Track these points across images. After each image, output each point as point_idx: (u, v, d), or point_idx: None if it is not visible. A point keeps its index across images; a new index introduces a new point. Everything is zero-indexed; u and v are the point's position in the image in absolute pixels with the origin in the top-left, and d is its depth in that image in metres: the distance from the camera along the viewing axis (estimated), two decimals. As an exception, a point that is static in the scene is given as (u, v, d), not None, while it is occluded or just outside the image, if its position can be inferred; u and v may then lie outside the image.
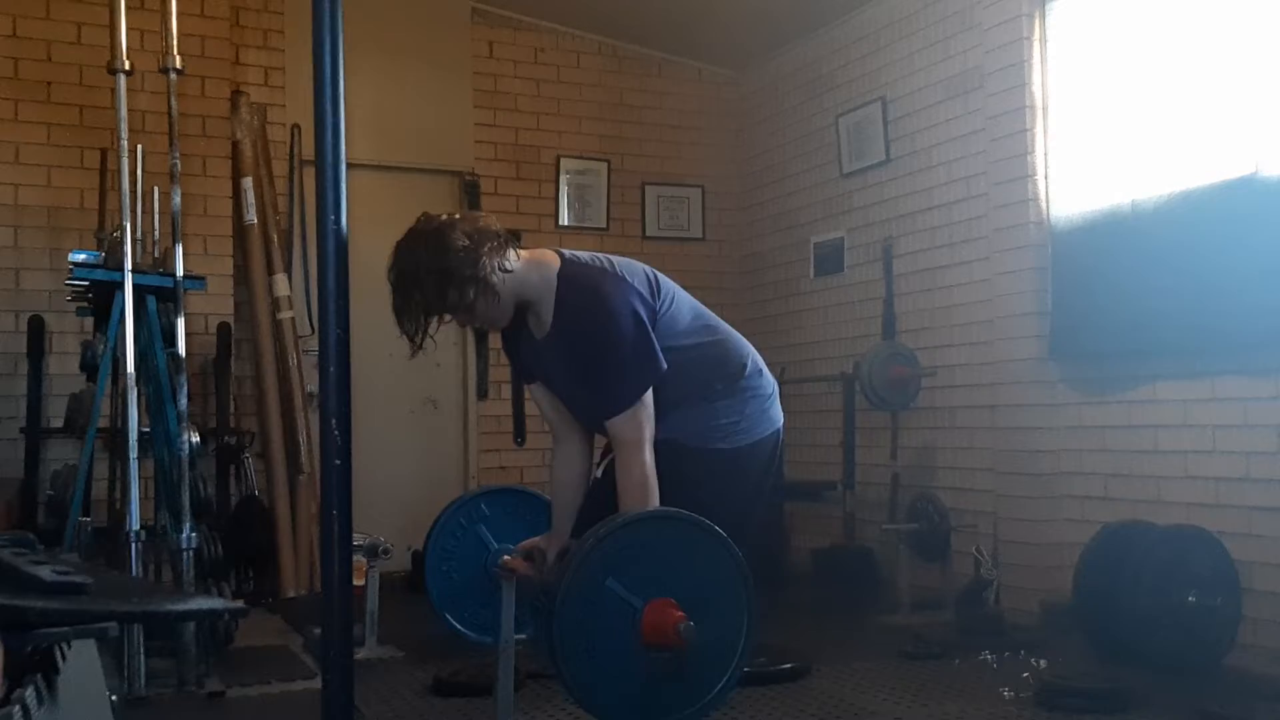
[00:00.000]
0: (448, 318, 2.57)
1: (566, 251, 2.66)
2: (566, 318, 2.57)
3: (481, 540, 2.94)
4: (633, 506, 2.41)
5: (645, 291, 2.59)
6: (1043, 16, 4.81)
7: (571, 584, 2.14)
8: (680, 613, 2.15)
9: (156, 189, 4.26)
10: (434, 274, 2.47)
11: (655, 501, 2.43)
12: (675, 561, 2.24)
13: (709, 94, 6.96)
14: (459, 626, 2.90)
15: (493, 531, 2.95)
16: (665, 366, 2.54)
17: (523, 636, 2.95)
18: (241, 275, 5.63)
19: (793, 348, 6.23)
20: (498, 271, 2.51)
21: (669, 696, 2.23)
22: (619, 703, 2.20)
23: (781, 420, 2.76)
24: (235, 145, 5.63)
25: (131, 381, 3.76)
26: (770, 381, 2.76)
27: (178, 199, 4.00)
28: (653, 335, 2.54)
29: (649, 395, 2.52)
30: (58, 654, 1.61)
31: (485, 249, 2.49)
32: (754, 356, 2.75)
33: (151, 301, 3.93)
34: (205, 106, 5.52)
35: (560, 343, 2.60)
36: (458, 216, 2.58)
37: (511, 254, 2.55)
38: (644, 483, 2.46)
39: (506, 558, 2.86)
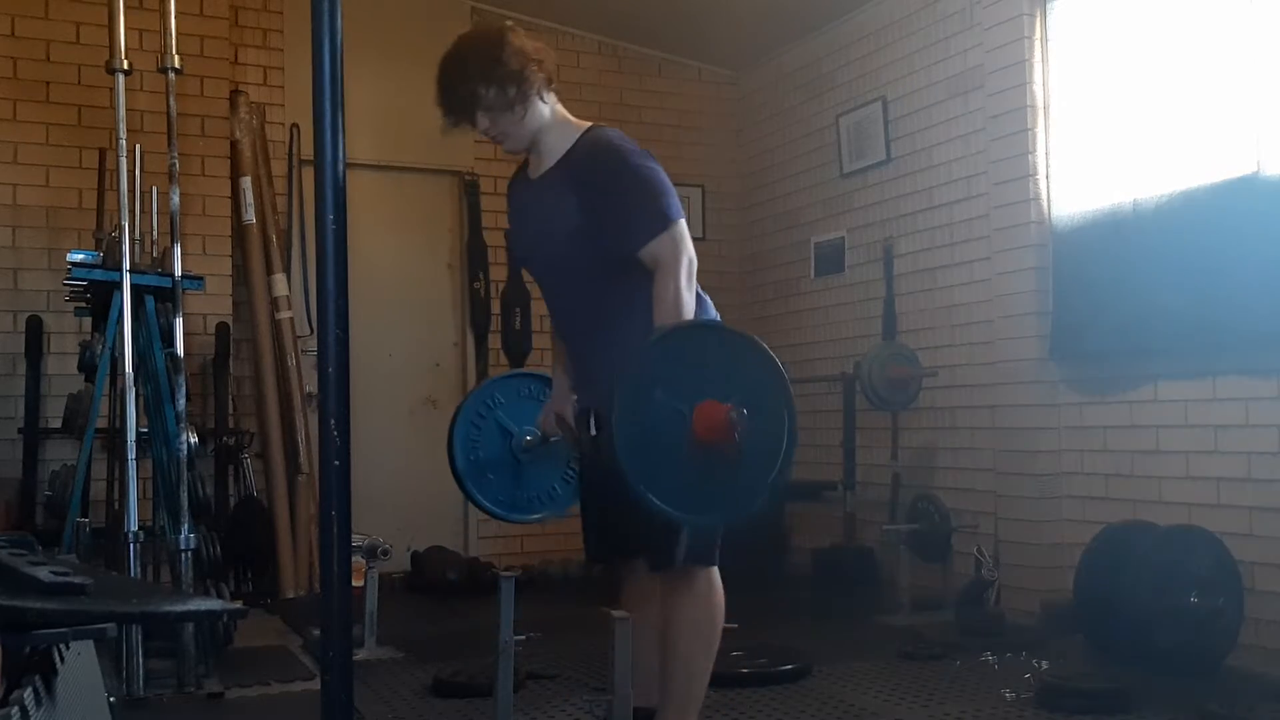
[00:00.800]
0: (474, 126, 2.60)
1: None
2: (577, 156, 2.58)
3: (502, 426, 2.98)
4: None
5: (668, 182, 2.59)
6: (1043, 16, 4.81)
7: (622, 404, 2.20)
8: (728, 404, 2.21)
9: (155, 189, 4.26)
10: (485, 65, 2.53)
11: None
12: (715, 367, 2.30)
13: (709, 94, 6.96)
14: (495, 508, 2.93)
15: (510, 416, 2.99)
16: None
17: (542, 516, 3.04)
18: (240, 275, 5.63)
19: (793, 348, 6.23)
20: (538, 93, 2.57)
21: (726, 492, 2.31)
22: (683, 504, 2.27)
23: None
24: (234, 145, 5.63)
25: (130, 382, 3.75)
26: None
27: (176, 199, 3.99)
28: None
29: (684, 226, 2.51)
30: (56, 655, 1.60)
31: (536, 68, 2.56)
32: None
33: (150, 301, 3.92)
34: (204, 106, 5.51)
35: (562, 179, 2.59)
36: (521, 39, 2.61)
37: (550, 97, 2.62)
38: (680, 305, 2.45)
39: (529, 439, 2.94)
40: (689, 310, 2.47)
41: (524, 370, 3.13)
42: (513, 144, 2.64)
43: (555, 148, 2.63)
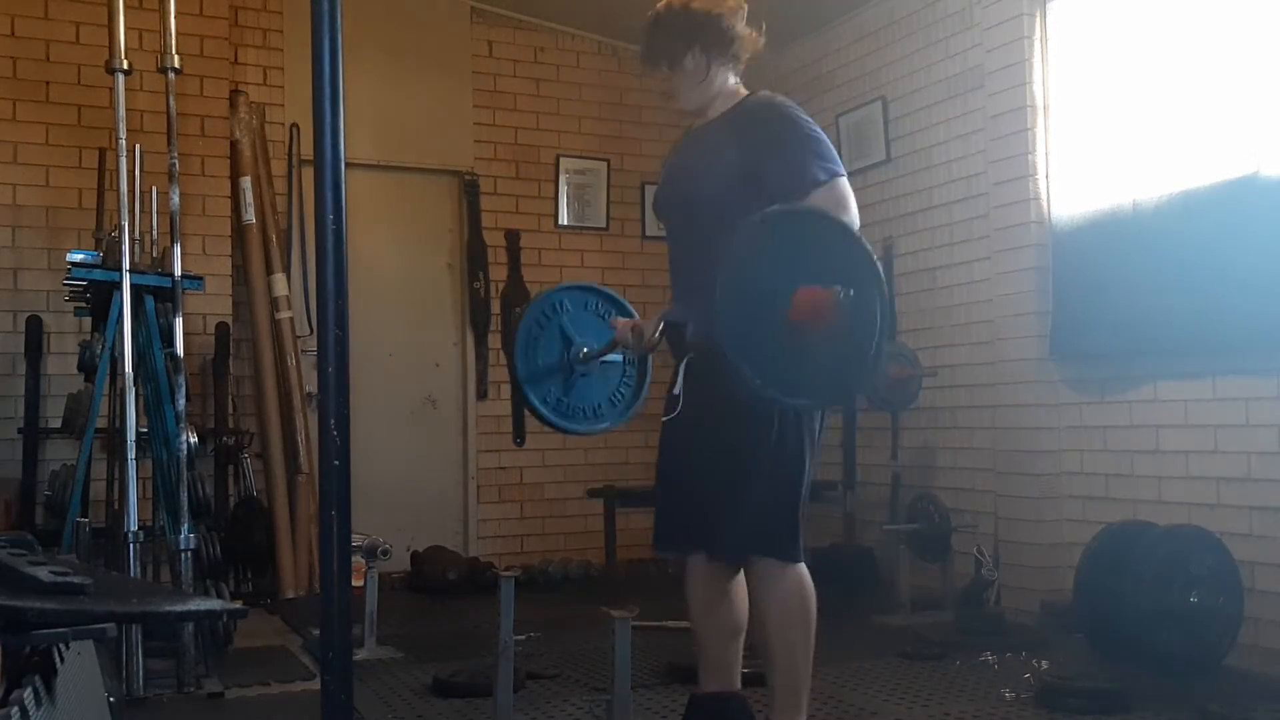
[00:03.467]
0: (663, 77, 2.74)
1: None
2: (744, 112, 2.68)
3: (563, 332, 3.00)
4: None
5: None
6: (1043, 16, 4.81)
7: (727, 281, 2.29)
8: (831, 288, 2.30)
9: (155, 189, 4.26)
10: (698, 28, 2.67)
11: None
12: (813, 251, 2.39)
13: (708, 94, 6.95)
14: (543, 410, 2.94)
15: (573, 324, 3.01)
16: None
17: (585, 430, 3.10)
18: (240, 275, 5.63)
19: (792, 348, 6.22)
20: (728, 68, 2.72)
21: (820, 376, 2.41)
22: (778, 384, 2.34)
23: None
24: (234, 145, 5.63)
25: (130, 382, 3.75)
26: None
27: (176, 199, 3.99)
28: None
29: (847, 183, 2.60)
30: (56, 655, 1.60)
31: (736, 46, 2.71)
32: None
33: (150, 301, 3.92)
34: (204, 106, 5.51)
35: (722, 130, 2.68)
36: (743, 13, 2.74)
37: (736, 78, 2.76)
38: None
39: (585, 350, 2.98)
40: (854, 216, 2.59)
41: (591, 284, 3.14)
42: (684, 104, 2.76)
43: (720, 107, 2.74)
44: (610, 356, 2.97)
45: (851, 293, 2.30)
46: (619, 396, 3.08)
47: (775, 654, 2.66)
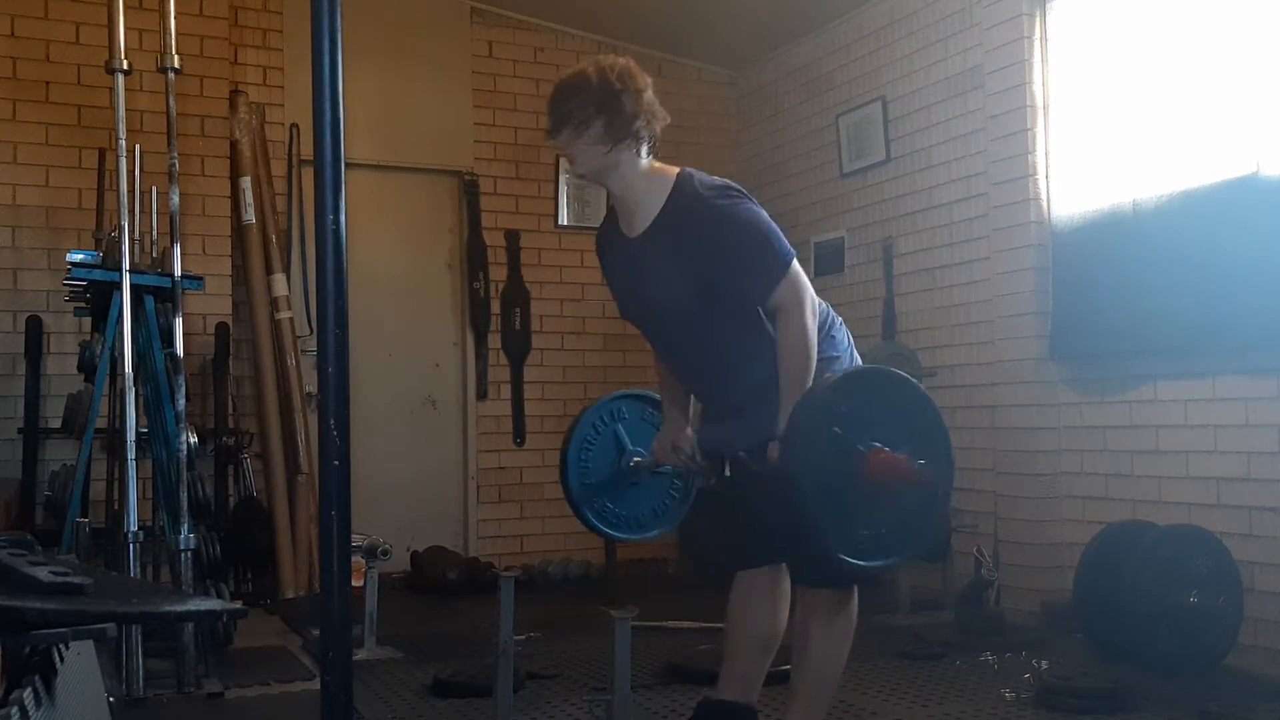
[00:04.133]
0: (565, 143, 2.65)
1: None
2: (675, 216, 2.58)
3: (618, 439, 3.00)
4: (793, 368, 2.48)
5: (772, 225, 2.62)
6: (1043, 16, 4.81)
7: (803, 426, 2.32)
8: (906, 455, 2.32)
9: (155, 189, 4.26)
10: (600, 93, 2.57)
11: (814, 361, 2.51)
12: (887, 410, 2.40)
13: (709, 94, 6.95)
14: (596, 522, 2.94)
15: (628, 433, 3.02)
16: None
17: (656, 534, 3.12)
18: (240, 275, 5.63)
19: (792, 348, 6.22)
20: (632, 148, 2.59)
21: (893, 536, 2.41)
22: (854, 544, 2.36)
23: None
24: (234, 145, 5.63)
25: (129, 382, 3.75)
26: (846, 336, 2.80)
27: (176, 199, 3.99)
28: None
29: (798, 265, 2.55)
30: (56, 655, 1.60)
31: (644, 124, 2.60)
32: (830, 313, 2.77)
33: (150, 301, 3.92)
34: (204, 106, 5.51)
35: (664, 242, 2.60)
36: (649, 91, 2.65)
37: (646, 158, 2.64)
38: (806, 343, 2.50)
39: (637, 459, 2.97)
40: (814, 347, 2.52)
41: (648, 393, 3.14)
42: (582, 170, 2.66)
43: (648, 204, 2.63)
44: (662, 468, 2.99)
45: (924, 463, 2.33)
46: (664, 507, 3.10)
47: (812, 670, 2.71)
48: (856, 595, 2.75)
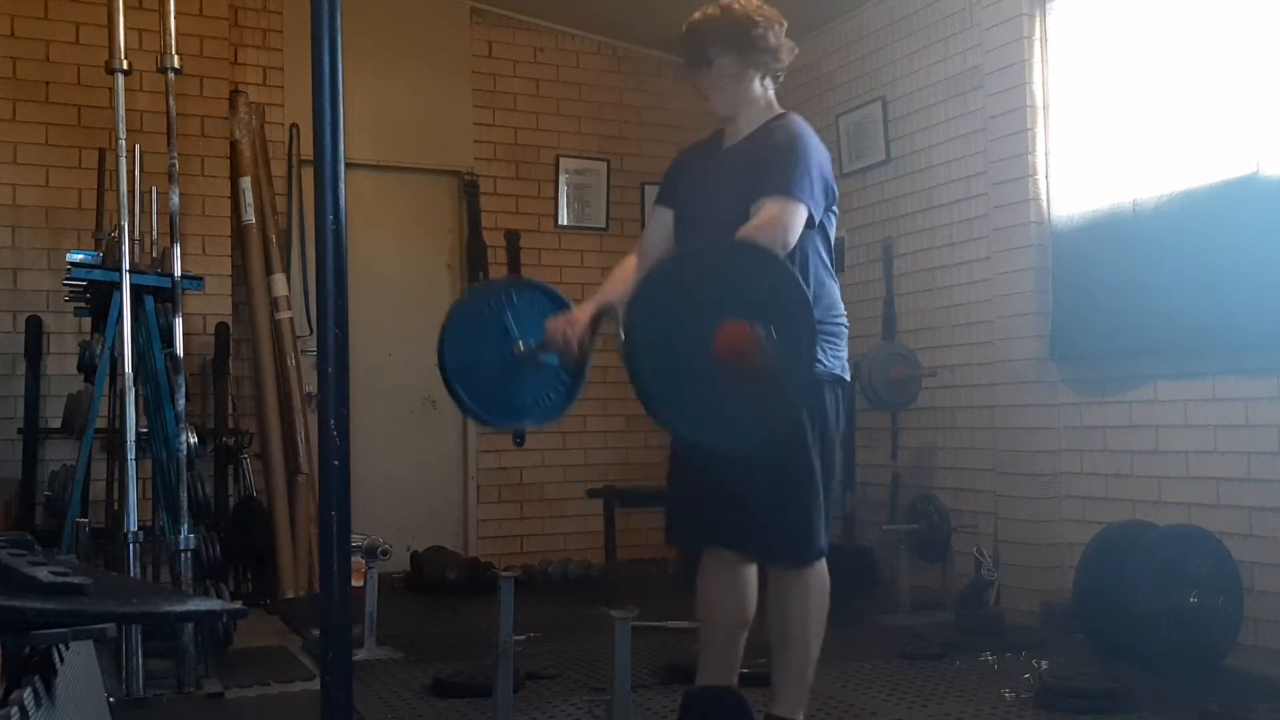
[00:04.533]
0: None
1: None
2: (763, 137, 2.74)
3: (505, 327, 2.96)
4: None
5: (828, 181, 2.72)
6: (1043, 16, 4.81)
7: (643, 320, 2.26)
8: (753, 324, 2.25)
9: (155, 189, 4.26)
10: (739, 33, 2.74)
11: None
12: (734, 285, 2.35)
13: (708, 94, 6.94)
14: (467, 399, 2.87)
15: (517, 322, 2.97)
16: (819, 218, 2.66)
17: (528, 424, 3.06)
18: (240, 275, 5.62)
19: (792, 348, 6.22)
20: (766, 78, 2.81)
21: (744, 415, 2.36)
22: (695, 417, 2.32)
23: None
24: (234, 145, 5.63)
25: (129, 382, 3.75)
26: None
27: (176, 199, 3.99)
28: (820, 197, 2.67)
29: (800, 213, 2.59)
30: (56, 655, 1.60)
31: (777, 60, 2.80)
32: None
33: (149, 301, 3.92)
34: (204, 106, 5.51)
35: (744, 156, 2.74)
36: (780, 26, 2.82)
37: (772, 90, 2.85)
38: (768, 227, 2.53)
39: (522, 344, 2.91)
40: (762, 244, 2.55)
41: (546, 285, 3.10)
42: (718, 107, 2.81)
43: (751, 123, 2.80)
44: (546, 358, 2.90)
45: (774, 331, 2.25)
46: (546, 400, 3.01)
47: (793, 646, 2.73)
48: (825, 569, 2.76)
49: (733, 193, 2.68)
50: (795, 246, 2.59)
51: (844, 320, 2.81)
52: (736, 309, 2.28)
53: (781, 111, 2.83)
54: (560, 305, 2.98)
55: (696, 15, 2.82)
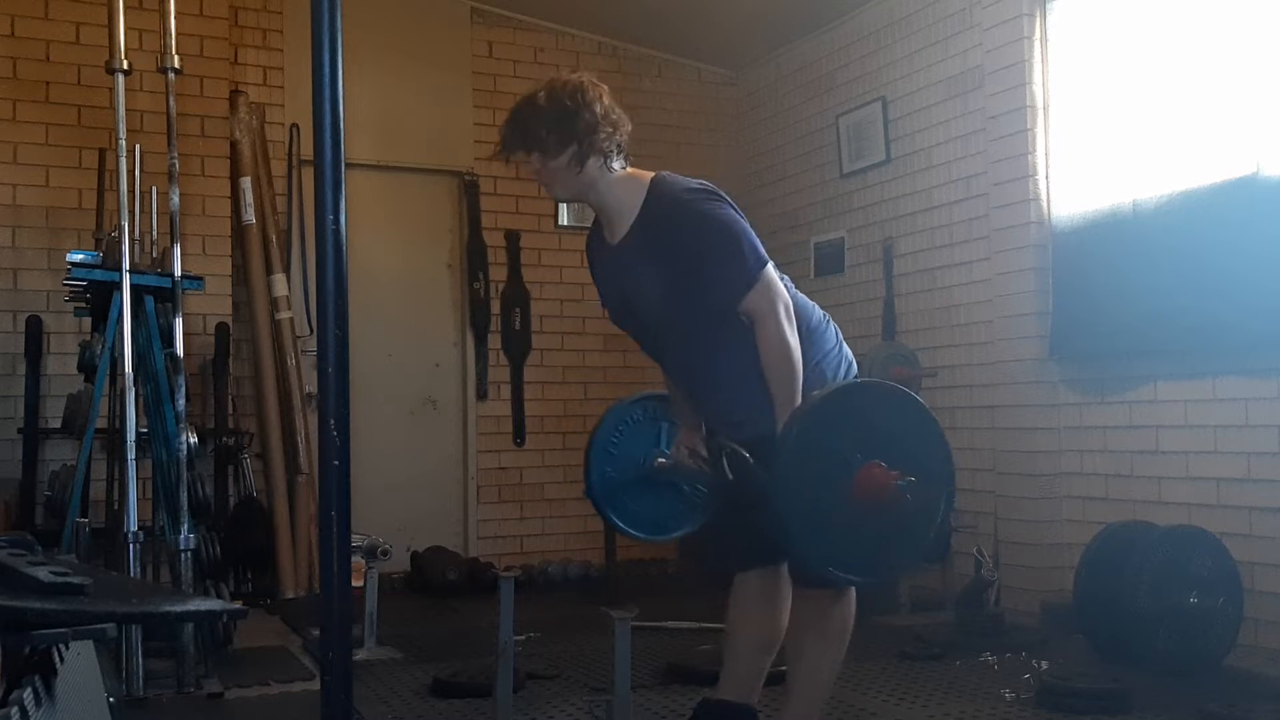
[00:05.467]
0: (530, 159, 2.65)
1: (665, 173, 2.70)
2: (651, 220, 2.59)
3: (643, 439, 2.99)
4: (779, 375, 2.48)
5: (742, 218, 2.61)
6: (1043, 16, 4.81)
7: (793, 444, 2.29)
8: (895, 471, 2.29)
9: (155, 189, 4.26)
10: (559, 113, 2.58)
11: (799, 365, 2.50)
12: (884, 425, 2.38)
13: (709, 94, 6.96)
14: (618, 521, 2.93)
15: (652, 433, 3.01)
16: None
17: (681, 534, 3.06)
18: (240, 275, 5.62)
19: (792, 348, 6.22)
20: (601, 161, 2.60)
21: (882, 551, 2.41)
22: (839, 558, 2.37)
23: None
24: (234, 145, 5.63)
25: (129, 382, 3.75)
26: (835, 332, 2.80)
27: (176, 199, 3.99)
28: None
29: (772, 269, 2.54)
30: (56, 655, 1.60)
31: (607, 135, 2.59)
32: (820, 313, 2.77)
33: (150, 302, 3.92)
34: (204, 106, 5.51)
35: (642, 246, 2.60)
36: (609, 100, 2.65)
37: (619, 162, 2.64)
38: (785, 349, 2.49)
39: (661, 460, 2.94)
40: (795, 351, 2.52)
41: (649, 393, 3.13)
42: (559, 193, 2.69)
43: (625, 209, 2.64)
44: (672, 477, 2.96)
45: (914, 480, 2.30)
46: (686, 509, 3.03)
47: (807, 670, 2.74)
48: (853, 596, 2.76)
49: (650, 288, 2.59)
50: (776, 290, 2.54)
51: (833, 332, 2.75)
52: (881, 452, 2.33)
53: (644, 183, 2.65)
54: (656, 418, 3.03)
55: (524, 100, 2.68)
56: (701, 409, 2.78)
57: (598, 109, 2.58)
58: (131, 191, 3.93)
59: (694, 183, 2.63)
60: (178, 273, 3.93)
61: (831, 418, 2.36)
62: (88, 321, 4.46)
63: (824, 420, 2.35)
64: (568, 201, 2.73)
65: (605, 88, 2.65)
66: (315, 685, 2.76)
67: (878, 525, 2.35)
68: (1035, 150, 4.77)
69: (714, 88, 6.98)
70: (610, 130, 2.60)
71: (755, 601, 2.73)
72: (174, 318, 3.94)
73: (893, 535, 2.39)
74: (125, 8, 3.90)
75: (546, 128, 2.57)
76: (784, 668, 2.82)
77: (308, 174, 5.51)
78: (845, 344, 2.79)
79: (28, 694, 1.38)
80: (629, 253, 2.63)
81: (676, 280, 2.56)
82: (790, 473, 2.30)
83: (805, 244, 6.33)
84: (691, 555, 2.91)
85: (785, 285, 2.63)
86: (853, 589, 2.74)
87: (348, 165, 1.85)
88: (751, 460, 2.46)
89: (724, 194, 2.62)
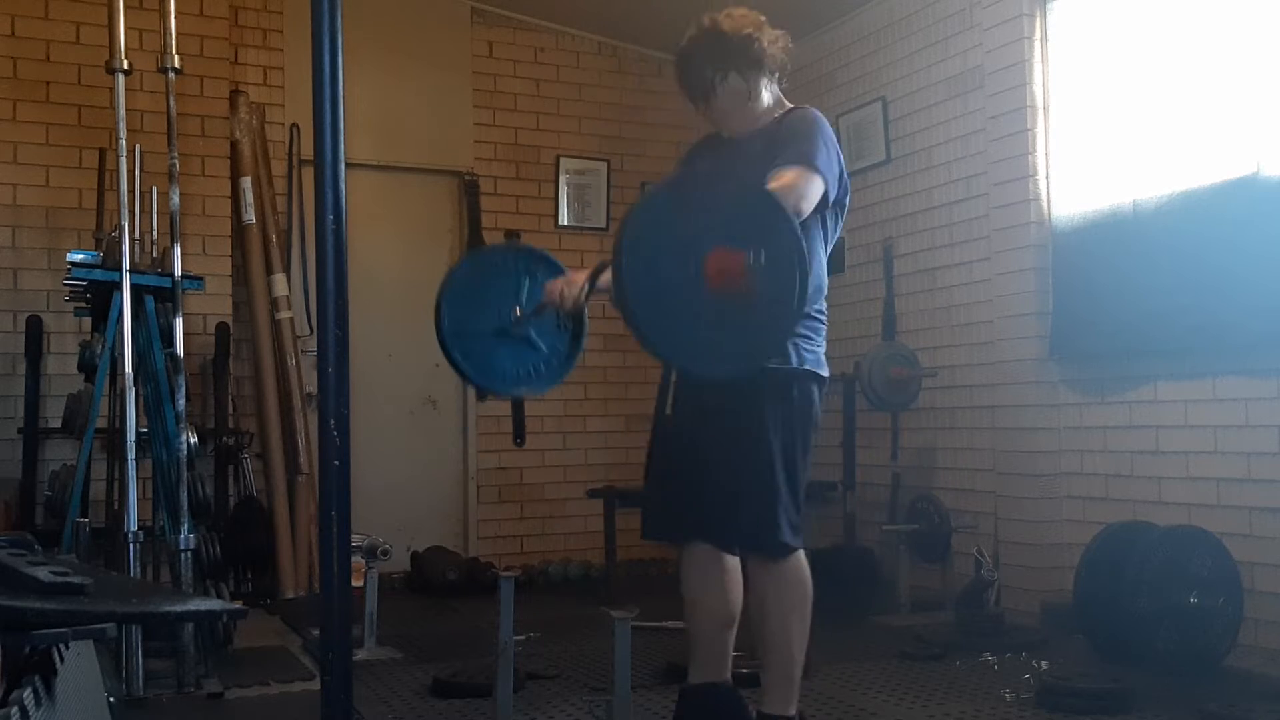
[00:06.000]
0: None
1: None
2: (780, 123, 2.74)
3: (512, 293, 2.94)
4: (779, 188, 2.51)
5: (843, 169, 2.75)
6: (1043, 16, 4.81)
7: (632, 252, 2.22)
8: (741, 251, 2.25)
9: (155, 189, 4.26)
10: (735, 54, 2.71)
11: (798, 201, 2.52)
12: (723, 216, 2.34)
13: (708, 94, 6.95)
14: (461, 362, 2.85)
15: (521, 291, 2.96)
16: (833, 196, 2.67)
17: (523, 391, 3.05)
18: (240, 275, 5.62)
19: (792, 348, 6.22)
20: (766, 88, 2.78)
21: (739, 343, 2.35)
22: (686, 347, 2.32)
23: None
24: (234, 145, 5.63)
25: (130, 382, 3.75)
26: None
27: (176, 199, 3.99)
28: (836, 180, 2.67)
29: (821, 184, 2.60)
30: (56, 655, 1.60)
31: (770, 62, 2.76)
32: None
33: (150, 301, 3.92)
34: (204, 106, 5.51)
35: (761, 141, 2.72)
36: (767, 27, 2.78)
37: (777, 88, 2.82)
38: (792, 192, 2.52)
39: (520, 310, 2.91)
40: (798, 200, 2.55)
41: (520, 244, 3.08)
42: (735, 127, 2.81)
43: (766, 117, 2.80)
44: (540, 324, 2.91)
45: (764, 256, 2.25)
46: (540, 370, 2.98)
47: (774, 642, 2.73)
48: (805, 564, 2.76)
49: (751, 174, 2.65)
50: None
51: (824, 315, 2.80)
52: (727, 237, 2.28)
53: (795, 106, 2.84)
54: (551, 265, 3.00)
55: (685, 43, 2.80)
56: None
57: (764, 34, 2.75)
58: (131, 191, 3.92)
59: (825, 120, 2.78)
60: (178, 273, 3.93)
61: (677, 205, 2.32)
62: (88, 321, 4.46)
63: (671, 206, 2.32)
64: (743, 134, 2.81)
65: (759, 16, 2.80)
66: (315, 685, 2.76)
67: (733, 315, 2.28)
68: (1035, 150, 4.77)
69: (714, 88, 6.97)
70: (774, 54, 2.75)
71: (705, 581, 2.75)
72: (174, 318, 3.94)
73: (751, 324, 2.32)
74: (125, 8, 3.90)
75: (720, 64, 2.71)
76: (756, 662, 2.83)
77: (308, 174, 5.50)
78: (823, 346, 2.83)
79: (28, 694, 1.38)
80: (749, 142, 2.76)
81: (766, 160, 2.64)
82: (637, 260, 2.21)
83: (805, 244, 6.32)
84: (644, 523, 2.88)
85: (820, 272, 2.72)
86: (803, 556, 2.74)
87: (348, 165, 1.85)
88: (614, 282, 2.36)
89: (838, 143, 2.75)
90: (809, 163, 2.60)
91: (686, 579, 2.79)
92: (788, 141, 2.66)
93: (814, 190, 2.58)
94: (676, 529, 2.79)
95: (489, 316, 2.93)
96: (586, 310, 2.89)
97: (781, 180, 2.54)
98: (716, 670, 2.76)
